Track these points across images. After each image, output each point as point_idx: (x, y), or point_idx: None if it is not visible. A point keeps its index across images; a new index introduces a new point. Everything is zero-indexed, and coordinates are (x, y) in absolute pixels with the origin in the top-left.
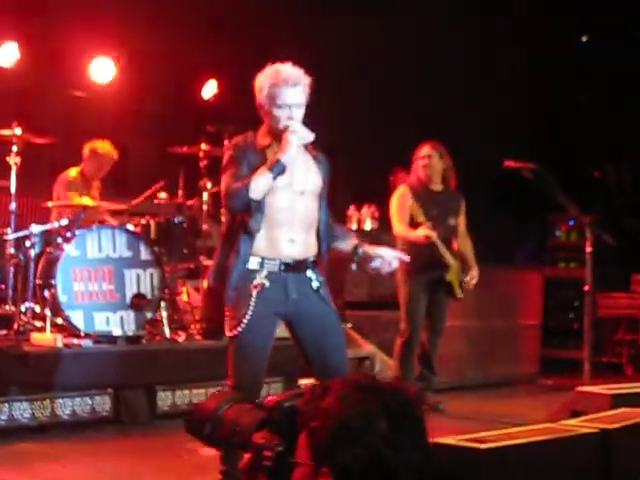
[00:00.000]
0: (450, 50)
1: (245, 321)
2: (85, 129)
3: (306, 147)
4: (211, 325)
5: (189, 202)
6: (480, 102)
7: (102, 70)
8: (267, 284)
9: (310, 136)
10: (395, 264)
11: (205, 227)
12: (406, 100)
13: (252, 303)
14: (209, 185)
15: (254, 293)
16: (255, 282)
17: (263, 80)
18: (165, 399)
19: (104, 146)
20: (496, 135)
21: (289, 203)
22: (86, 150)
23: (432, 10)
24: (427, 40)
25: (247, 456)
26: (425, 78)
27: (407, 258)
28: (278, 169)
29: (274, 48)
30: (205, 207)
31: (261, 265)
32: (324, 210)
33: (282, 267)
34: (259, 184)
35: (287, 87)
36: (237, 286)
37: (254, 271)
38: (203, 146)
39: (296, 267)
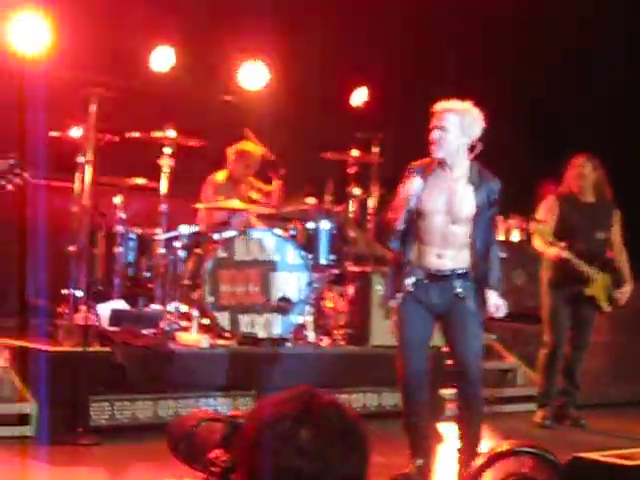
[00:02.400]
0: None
1: (399, 298)
2: (235, 134)
3: (472, 175)
4: (355, 331)
5: (337, 208)
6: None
7: (254, 75)
8: (412, 289)
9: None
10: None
11: (352, 233)
12: (559, 112)
13: (402, 295)
14: (357, 192)
15: (401, 295)
16: (404, 285)
17: None
18: None
19: (249, 146)
20: None
21: (441, 227)
22: (232, 152)
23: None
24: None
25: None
26: (574, 92)
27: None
28: (406, 210)
29: (426, 60)
30: (352, 214)
31: (411, 273)
32: (484, 231)
33: (427, 276)
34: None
35: (434, 117)
36: (393, 286)
37: (405, 276)
38: (353, 153)
39: (441, 277)
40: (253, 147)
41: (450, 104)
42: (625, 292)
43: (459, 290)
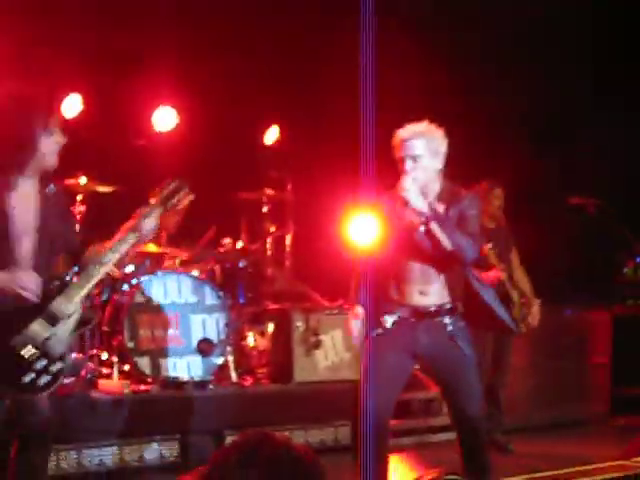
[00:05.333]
0: None
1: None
2: (149, 177)
3: (442, 195)
4: (278, 369)
5: (253, 247)
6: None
7: (164, 119)
8: (392, 327)
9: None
10: None
11: (269, 271)
12: None
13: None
14: (272, 229)
15: (377, 332)
16: (382, 323)
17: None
18: None
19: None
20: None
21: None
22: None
23: None
24: None
25: None
26: None
27: None
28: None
29: (333, 94)
30: (269, 252)
31: (392, 311)
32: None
33: (412, 314)
34: None
35: (400, 146)
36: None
37: (385, 315)
38: (267, 191)
39: (427, 314)
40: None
41: (412, 128)
42: (536, 314)
43: (450, 328)
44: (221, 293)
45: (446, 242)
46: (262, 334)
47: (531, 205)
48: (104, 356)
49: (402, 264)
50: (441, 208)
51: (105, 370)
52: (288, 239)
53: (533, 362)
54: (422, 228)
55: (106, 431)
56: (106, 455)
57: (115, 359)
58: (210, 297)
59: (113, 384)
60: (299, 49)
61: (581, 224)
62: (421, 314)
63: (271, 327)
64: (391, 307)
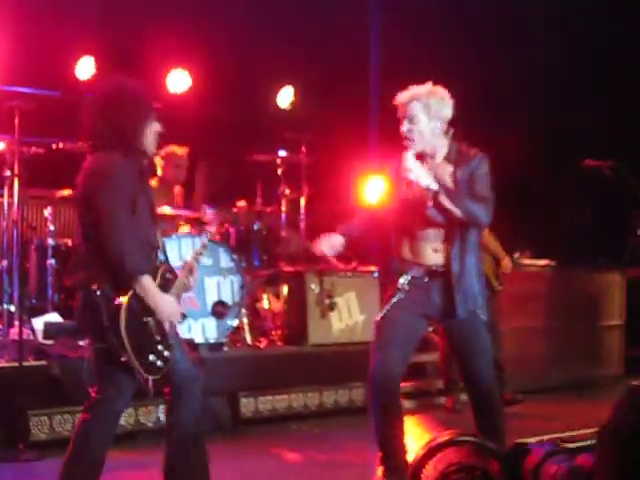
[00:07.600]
0: None
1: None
2: (163, 139)
3: (451, 154)
4: (292, 331)
5: (267, 209)
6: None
7: (178, 81)
8: (408, 287)
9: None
10: None
11: (284, 233)
12: None
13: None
14: (287, 192)
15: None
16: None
17: None
18: (248, 405)
19: (177, 149)
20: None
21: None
22: (160, 157)
23: None
24: None
25: None
26: None
27: None
28: None
29: (347, 57)
30: (284, 214)
31: (406, 270)
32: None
33: (426, 273)
34: None
35: (399, 109)
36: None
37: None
38: (281, 153)
39: (441, 273)
40: (178, 148)
41: (411, 91)
42: (507, 265)
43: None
44: (236, 256)
45: (457, 211)
46: (277, 296)
47: (545, 166)
48: None
49: (415, 225)
50: (449, 169)
51: None
52: (303, 201)
53: (547, 324)
54: (431, 203)
55: None
56: (123, 417)
57: None
58: (225, 260)
59: None
60: (313, 10)
61: (596, 186)
62: (435, 273)
63: (285, 289)
64: (404, 267)
